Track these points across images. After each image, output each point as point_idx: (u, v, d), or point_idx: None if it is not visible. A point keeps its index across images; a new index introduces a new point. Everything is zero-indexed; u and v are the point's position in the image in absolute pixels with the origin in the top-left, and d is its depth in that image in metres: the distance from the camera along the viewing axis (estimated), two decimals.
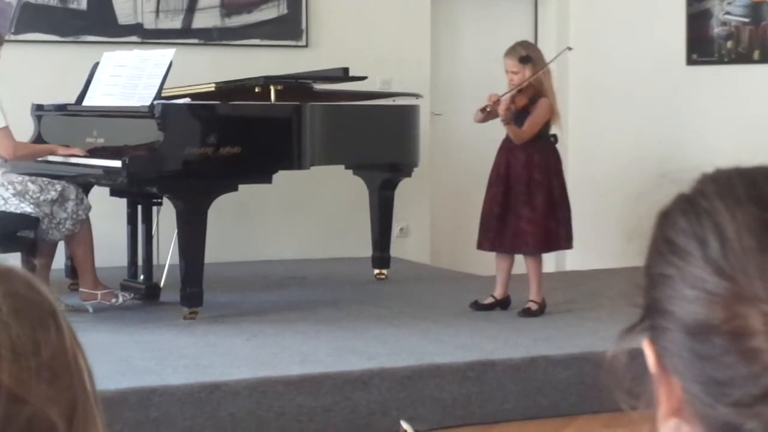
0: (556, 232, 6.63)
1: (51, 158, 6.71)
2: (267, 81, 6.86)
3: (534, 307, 6.61)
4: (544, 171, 6.62)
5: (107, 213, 7.20)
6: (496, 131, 6.78)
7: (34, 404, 0.93)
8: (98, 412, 1.00)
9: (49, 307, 1.00)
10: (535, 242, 6.61)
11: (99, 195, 7.07)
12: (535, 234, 6.57)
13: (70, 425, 0.96)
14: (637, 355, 1.05)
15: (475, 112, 6.72)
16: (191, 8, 8.56)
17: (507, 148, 6.67)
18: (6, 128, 6.38)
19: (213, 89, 6.94)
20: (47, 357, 0.96)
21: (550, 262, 8.24)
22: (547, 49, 8.95)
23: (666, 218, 1.02)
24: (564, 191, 6.71)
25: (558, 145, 6.81)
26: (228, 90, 6.94)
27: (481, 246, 6.75)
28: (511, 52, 6.64)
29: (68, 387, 0.97)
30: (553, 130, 6.74)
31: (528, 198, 6.56)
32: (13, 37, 7.85)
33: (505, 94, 6.55)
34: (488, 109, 6.58)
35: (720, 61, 8.51)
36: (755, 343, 0.92)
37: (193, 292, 6.39)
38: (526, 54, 6.61)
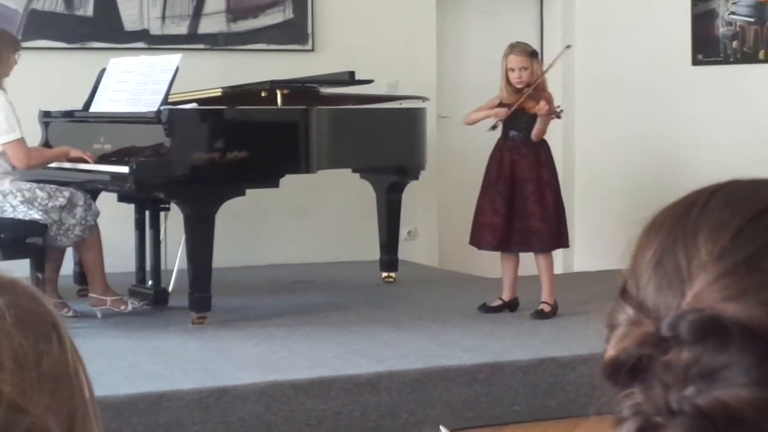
0: (562, 229, 6.68)
1: (58, 165, 6.72)
2: (273, 85, 6.86)
3: (547, 308, 6.61)
4: (551, 169, 6.66)
5: (115, 218, 7.21)
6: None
7: (34, 415, 0.94)
8: (97, 425, 1.01)
9: (52, 319, 1.00)
10: (549, 240, 6.62)
11: (107, 201, 7.08)
12: (548, 231, 6.59)
13: None
14: None
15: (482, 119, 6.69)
16: (197, 14, 8.57)
17: (510, 146, 6.64)
18: (21, 140, 6.39)
19: (219, 94, 6.94)
20: (49, 368, 0.97)
21: (558, 263, 8.23)
22: (552, 49, 8.97)
23: None
24: (560, 189, 6.76)
25: (561, 145, 6.82)
26: (234, 95, 6.94)
27: (483, 244, 6.69)
28: (516, 49, 6.60)
29: (68, 399, 0.98)
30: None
31: (539, 197, 6.57)
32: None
33: (520, 99, 6.51)
34: (496, 127, 6.59)
35: (725, 61, 8.50)
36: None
37: (202, 296, 6.40)
38: (533, 49, 6.65)
